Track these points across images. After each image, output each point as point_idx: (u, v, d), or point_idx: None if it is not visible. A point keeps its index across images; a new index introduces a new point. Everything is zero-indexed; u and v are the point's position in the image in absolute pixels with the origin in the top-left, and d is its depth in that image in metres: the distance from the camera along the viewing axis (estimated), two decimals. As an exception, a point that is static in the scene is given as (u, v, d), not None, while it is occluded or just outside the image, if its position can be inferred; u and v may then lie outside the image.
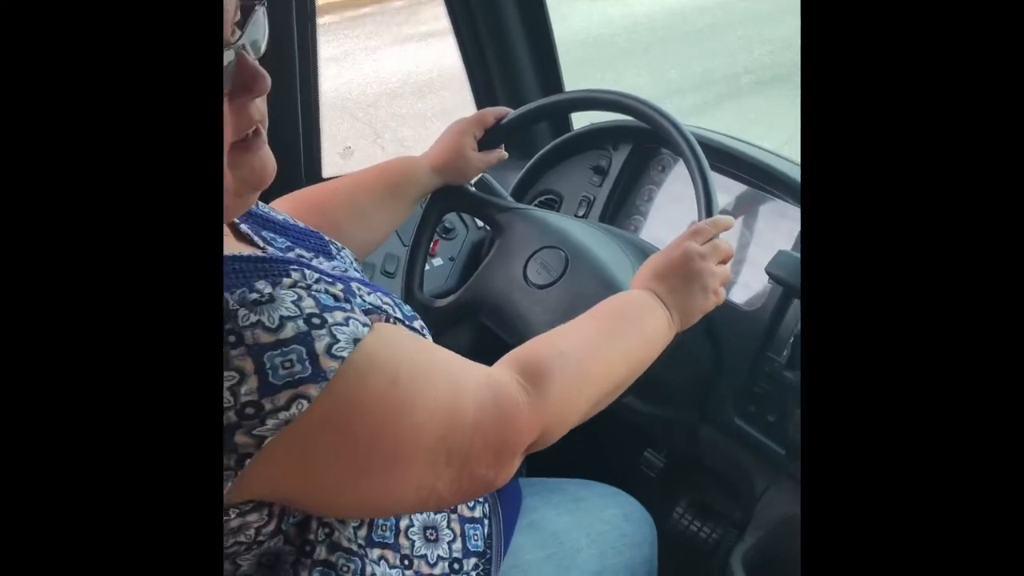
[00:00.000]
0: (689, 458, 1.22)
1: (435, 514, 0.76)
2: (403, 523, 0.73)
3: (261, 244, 0.72)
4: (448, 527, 0.77)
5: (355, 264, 0.83)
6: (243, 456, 0.55)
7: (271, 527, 0.62)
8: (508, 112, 1.09)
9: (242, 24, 0.60)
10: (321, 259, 0.76)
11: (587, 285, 0.98)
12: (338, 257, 0.80)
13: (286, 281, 0.59)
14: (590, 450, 1.40)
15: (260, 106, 0.61)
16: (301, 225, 0.81)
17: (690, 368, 1.10)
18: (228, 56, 0.58)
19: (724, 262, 0.86)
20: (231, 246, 0.66)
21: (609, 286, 0.97)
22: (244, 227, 0.72)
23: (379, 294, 0.67)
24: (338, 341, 0.57)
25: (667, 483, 1.28)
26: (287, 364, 0.55)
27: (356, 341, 0.58)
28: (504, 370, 0.69)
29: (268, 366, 0.54)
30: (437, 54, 4.68)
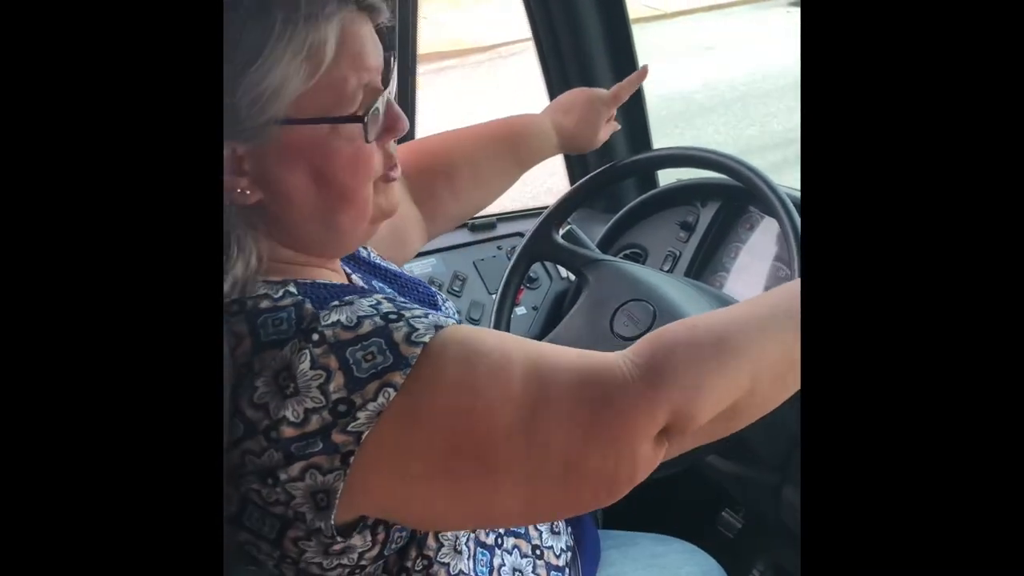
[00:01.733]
0: (769, 520, 1.19)
1: (521, 558, 0.77)
2: (495, 561, 0.74)
3: None
4: (534, 572, 0.78)
5: (457, 317, 0.84)
6: (346, 455, 0.55)
7: (374, 552, 0.61)
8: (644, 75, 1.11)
9: (386, 76, 0.66)
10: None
11: (674, 339, 0.98)
12: (443, 308, 0.82)
13: (376, 295, 0.61)
14: (666, 505, 1.39)
15: (394, 144, 0.68)
16: (411, 276, 0.84)
17: (774, 427, 1.09)
18: (382, 103, 0.64)
19: None
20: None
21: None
22: (356, 277, 0.75)
23: None
24: (416, 329, 0.58)
25: (744, 544, 1.26)
26: (368, 357, 0.56)
27: (437, 328, 0.58)
28: (622, 351, 0.60)
29: (351, 361, 0.56)
30: (515, 107, 4.77)
